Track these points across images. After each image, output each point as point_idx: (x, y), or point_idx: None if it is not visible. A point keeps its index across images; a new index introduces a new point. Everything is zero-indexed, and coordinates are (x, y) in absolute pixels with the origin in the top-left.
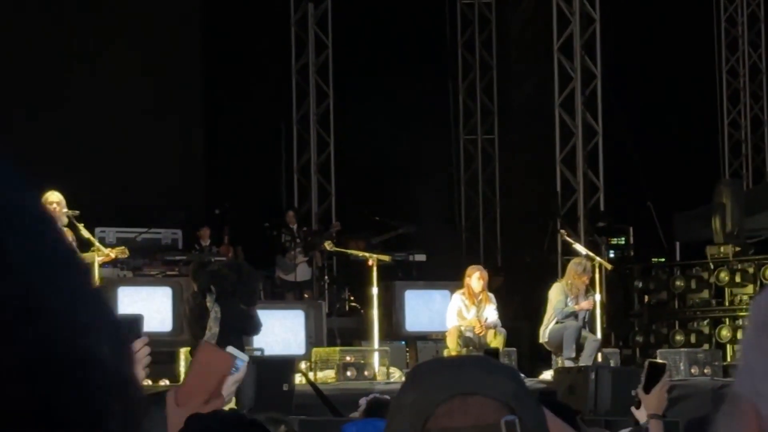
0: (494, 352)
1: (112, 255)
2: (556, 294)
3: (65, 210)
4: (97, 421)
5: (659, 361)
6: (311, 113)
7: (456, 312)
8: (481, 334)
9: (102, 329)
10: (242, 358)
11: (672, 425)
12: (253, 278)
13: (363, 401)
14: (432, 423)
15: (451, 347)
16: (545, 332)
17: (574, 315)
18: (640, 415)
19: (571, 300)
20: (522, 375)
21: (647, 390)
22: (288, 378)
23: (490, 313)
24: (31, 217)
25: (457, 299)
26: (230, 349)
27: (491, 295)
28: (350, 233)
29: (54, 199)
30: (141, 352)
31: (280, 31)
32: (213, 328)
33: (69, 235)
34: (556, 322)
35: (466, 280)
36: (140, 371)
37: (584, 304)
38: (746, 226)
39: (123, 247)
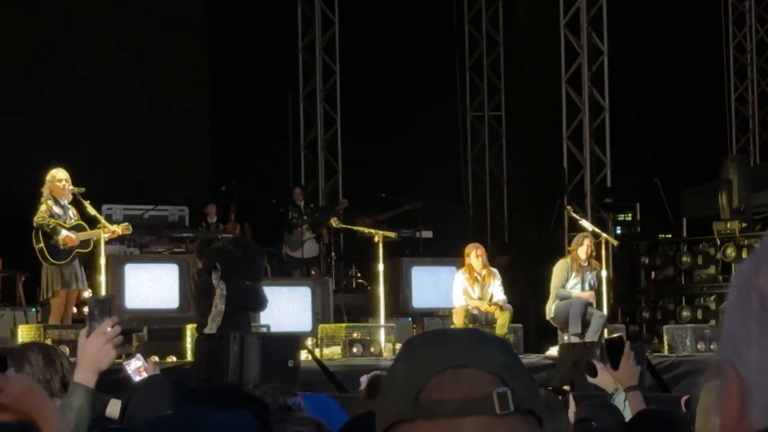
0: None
1: (119, 231)
2: (557, 272)
3: (71, 187)
4: None
5: (615, 335)
6: (318, 90)
7: (461, 290)
8: (488, 312)
9: None
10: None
11: (673, 400)
12: (259, 255)
13: (364, 379)
14: (424, 395)
15: (458, 325)
16: (551, 308)
17: (581, 292)
18: (602, 381)
19: (574, 277)
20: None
21: (615, 366)
22: (293, 354)
23: (496, 289)
24: None
25: (461, 278)
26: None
27: (495, 271)
28: (357, 210)
29: (62, 176)
30: (112, 332)
31: (286, 8)
32: (219, 305)
33: (74, 212)
34: (563, 298)
35: (466, 259)
36: (112, 350)
37: (584, 295)
38: (753, 202)
39: (127, 224)
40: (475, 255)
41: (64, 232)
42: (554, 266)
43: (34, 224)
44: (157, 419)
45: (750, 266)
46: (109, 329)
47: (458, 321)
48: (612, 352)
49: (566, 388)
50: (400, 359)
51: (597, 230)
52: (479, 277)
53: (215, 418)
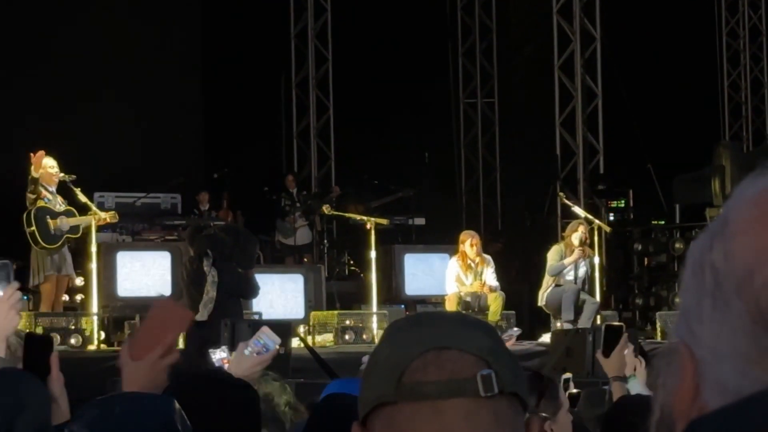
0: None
1: (107, 218)
2: (551, 256)
3: (61, 174)
4: None
5: (616, 323)
6: (310, 77)
7: (454, 277)
8: (482, 292)
9: None
10: (273, 340)
11: None
12: (250, 241)
13: (366, 359)
14: (407, 377)
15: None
16: (543, 295)
17: (574, 278)
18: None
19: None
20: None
21: (607, 354)
22: (285, 342)
23: (489, 276)
24: None
25: (454, 265)
26: (264, 330)
27: (488, 258)
28: (350, 197)
29: (51, 163)
30: (14, 297)
31: None
32: (210, 292)
33: (61, 199)
34: (556, 285)
35: (460, 246)
36: (16, 316)
37: (572, 256)
38: None
39: (114, 212)
40: (470, 244)
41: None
42: (548, 252)
43: (29, 206)
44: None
45: (703, 242)
46: (11, 295)
47: (451, 308)
48: (609, 339)
49: (568, 375)
50: (383, 342)
51: (590, 217)
52: (473, 264)
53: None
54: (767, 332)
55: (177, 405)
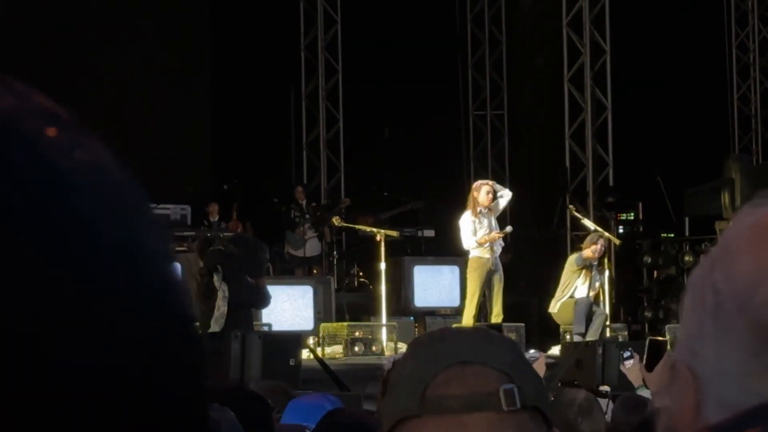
0: (497, 327)
1: None
2: (569, 266)
3: None
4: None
5: (660, 338)
6: (320, 89)
7: (471, 232)
8: (498, 238)
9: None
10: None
11: None
12: (260, 249)
13: (387, 362)
14: (430, 391)
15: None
16: (556, 304)
17: (587, 293)
18: (631, 373)
19: (583, 275)
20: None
21: (650, 368)
22: (295, 353)
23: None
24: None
25: (468, 220)
26: None
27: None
28: (359, 209)
29: None
30: None
31: (288, 7)
32: (222, 307)
33: None
34: (570, 297)
35: (474, 194)
36: None
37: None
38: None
39: None
40: (486, 192)
41: None
42: (567, 261)
43: None
44: None
45: (704, 267)
46: None
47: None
48: (652, 354)
49: (606, 389)
50: (407, 357)
51: (599, 229)
52: (484, 211)
53: None
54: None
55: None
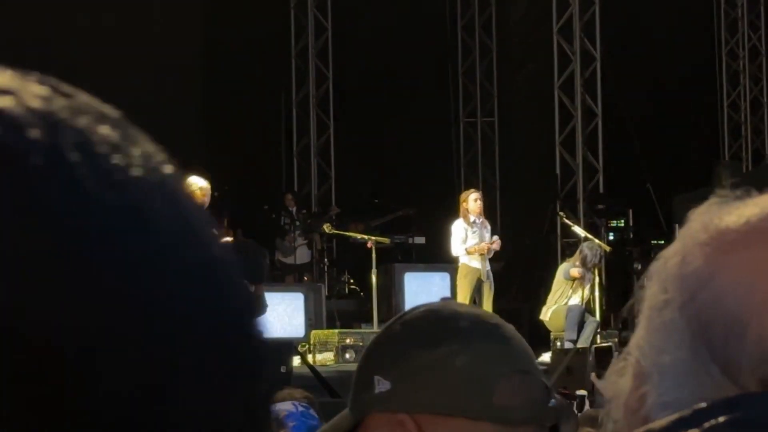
0: None
1: None
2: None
3: None
4: None
5: (605, 344)
6: (311, 96)
7: (461, 240)
8: (490, 248)
9: None
10: None
11: None
12: (258, 253)
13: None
14: (497, 399)
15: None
16: (548, 311)
17: (581, 300)
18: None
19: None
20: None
21: (600, 375)
22: (286, 360)
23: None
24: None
25: (460, 227)
26: None
27: (487, 222)
28: (350, 216)
29: None
30: None
31: (279, 14)
32: None
33: None
34: (563, 304)
35: (463, 204)
36: None
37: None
38: None
39: None
40: (473, 199)
41: None
42: (558, 269)
43: None
44: None
45: (661, 260)
46: None
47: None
48: (599, 361)
49: (583, 392)
50: (454, 343)
51: (590, 236)
52: (478, 221)
53: None
54: (706, 347)
55: None
